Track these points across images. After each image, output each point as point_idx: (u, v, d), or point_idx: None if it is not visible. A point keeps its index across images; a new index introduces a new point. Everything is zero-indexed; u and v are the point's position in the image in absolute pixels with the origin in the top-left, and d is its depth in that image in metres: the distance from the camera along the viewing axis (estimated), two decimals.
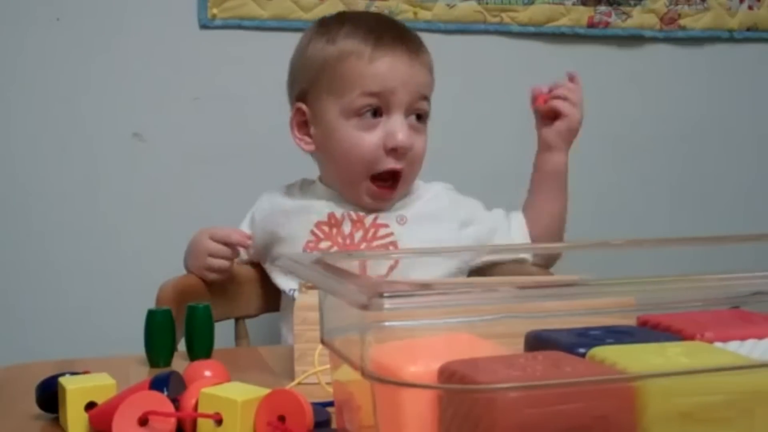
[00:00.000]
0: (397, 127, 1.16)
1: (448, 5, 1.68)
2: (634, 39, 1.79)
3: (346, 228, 1.19)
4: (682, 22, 1.81)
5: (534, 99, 1.27)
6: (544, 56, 1.75)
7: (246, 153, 1.61)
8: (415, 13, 1.66)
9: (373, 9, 1.64)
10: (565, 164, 1.27)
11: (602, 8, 1.76)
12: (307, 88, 1.20)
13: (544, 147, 1.27)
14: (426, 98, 1.20)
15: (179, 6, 1.58)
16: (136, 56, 1.57)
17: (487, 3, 1.70)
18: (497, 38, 1.72)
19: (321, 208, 1.21)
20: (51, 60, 1.54)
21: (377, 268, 0.94)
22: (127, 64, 1.57)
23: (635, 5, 1.78)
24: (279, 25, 1.61)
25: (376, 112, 1.17)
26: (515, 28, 1.72)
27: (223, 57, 1.60)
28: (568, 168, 1.28)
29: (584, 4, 1.75)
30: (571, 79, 1.26)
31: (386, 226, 1.19)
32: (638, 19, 1.78)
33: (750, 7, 1.84)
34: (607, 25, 1.77)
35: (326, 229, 1.19)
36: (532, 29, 1.73)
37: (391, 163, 1.17)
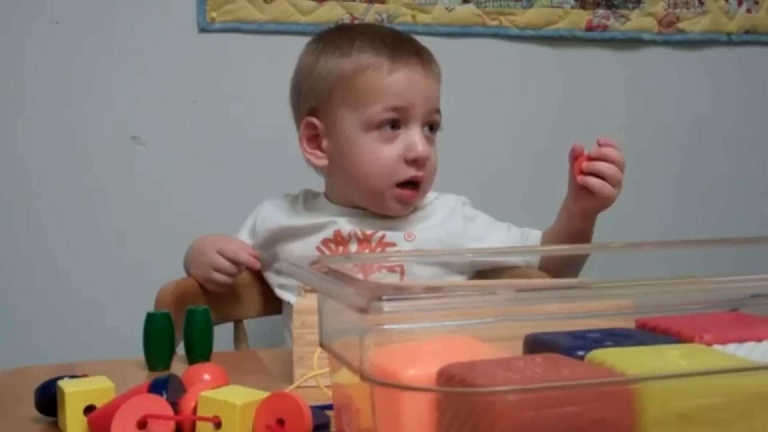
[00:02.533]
0: (416, 139, 1.17)
1: (446, 8, 1.68)
2: (633, 42, 1.80)
3: (353, 247, 1.19)
4: (680, 25, 1.81)
5: (572, 157, 1.16)
6: (543, 59, 1.76)
7: (245, 156, 1.61)
8: (414, 17, 1.66)
9: (371, 12, 1.64)
10: (590, 231, 1.21)
11: (601, 11, 1.76)
12: (320, 102, 1.19)
13: (569, 214, 1.20)
14: (438, 110, 1.21)
15: (178, 9, 1.58)
16: (135, 59, 1.57)
17: (485, 6, 1.70)
18: (496, 41, 1.73)
19: (327, 226, 1.20)
20: (50, 63, 1.54)
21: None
22: (125, 68, 1.57)
23: (633, 8, 1.78)
24: (278, 29, 1.61)
25: (395, 125, 1.17)
26: (514, 31, 1.73)
27: (222, 60, 1.60)
28: (593, 231, 1.21)
29: (583, 7, 1.75)
30: (605, 144, 1.15)
31: (393, 245, 1.19)
32: (637, 22, 1.78)
33: (748, 10, 1.84)
34: (605, 28, 1.77)
35: (332, 246, 1.19)
36: (530, 32, 1.73)
37: (412, 172, 1.17)
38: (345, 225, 1.20)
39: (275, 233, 1.22)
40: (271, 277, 1.24)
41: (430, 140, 1.20)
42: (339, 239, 1.19)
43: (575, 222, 1.20)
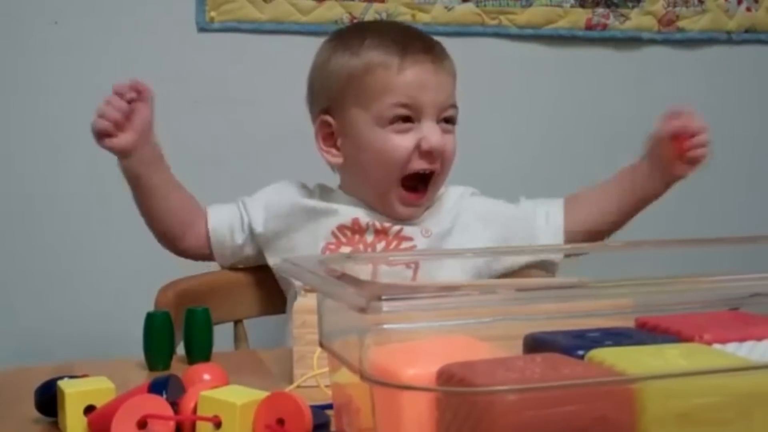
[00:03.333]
0: (429, 131, 1.16)
1: (446, 8, 1.68)
2: (632, 41, 1.80)
3: (369, 237, 1.19)
4: (680, 23, 1.81)
5: (675, 138, 1.27)
6: (542, 58, 1.76)
7: (245, 156, 1.61)
8: (413, 16, 1.66)
9: (371, 12, 1.64)
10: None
11: (600, 10, 1.76)
12: (333, 101, 1.20)
13: (660, 183, 1.28)
14: (454, 105, 1.21)
15: (177, 9, 1.58)
16: (135, 59, 1.57)
17: (485, 5, 1.70)
18: (495, 40, 1.73)
19: (346, 212, 1.20)
20: (49, 64, 1.54)
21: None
22: (125, 68, 1.57)
23: (633, 7, 1.78)
24: (277, 28, 1.61)
25: (407, 119, 1.17)
26: (513, 30, 1.73)
27: (221, 60, 1.60)
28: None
29: (582, 6, 1.75)
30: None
31: (410, 239, 1.19)
32: (636, 21, 1.78)
33: (748, 9, 1.84)
34: (605, 27, 1.77)
35: (348, 234, 1.19)
36: (530, 31, 1.73)
37: (423, 164, 1.17)
38: (363, 216, 1.19)
39: (291, 211, 1.21)
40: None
41: (447, 131, 1.20)
42: (356, 227, 1.19)
43: (659, 186, 1.28)
